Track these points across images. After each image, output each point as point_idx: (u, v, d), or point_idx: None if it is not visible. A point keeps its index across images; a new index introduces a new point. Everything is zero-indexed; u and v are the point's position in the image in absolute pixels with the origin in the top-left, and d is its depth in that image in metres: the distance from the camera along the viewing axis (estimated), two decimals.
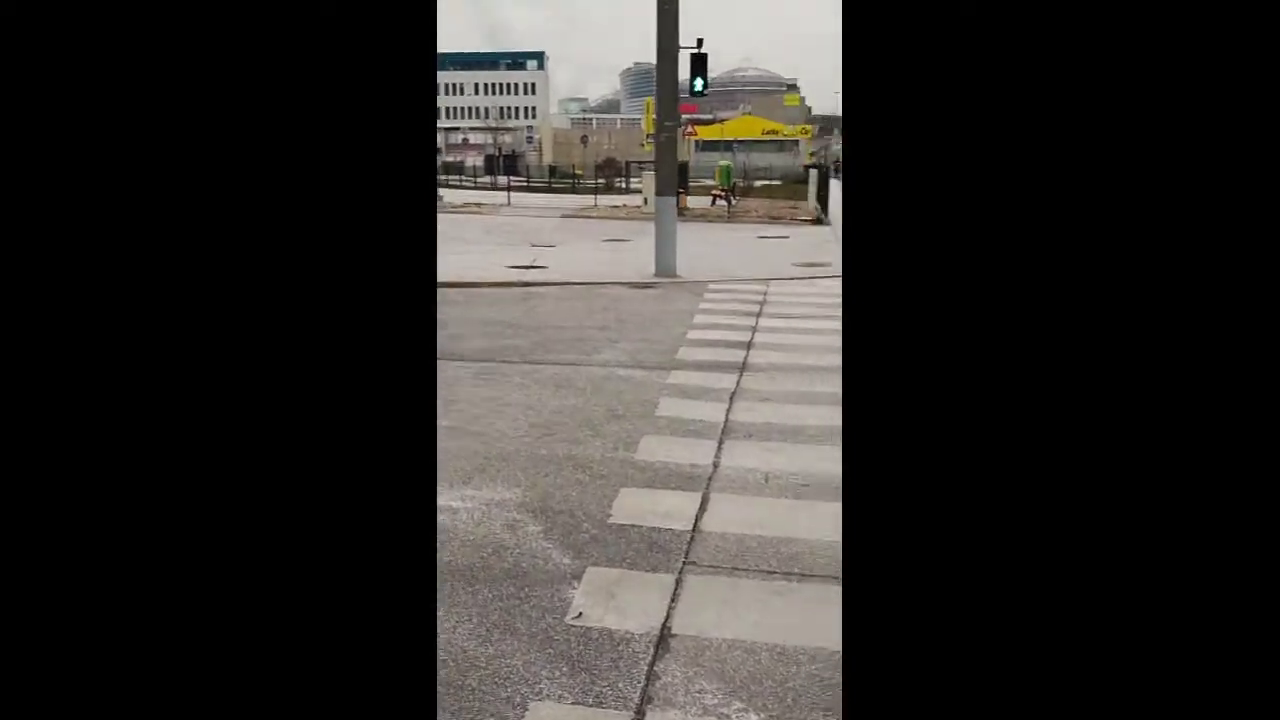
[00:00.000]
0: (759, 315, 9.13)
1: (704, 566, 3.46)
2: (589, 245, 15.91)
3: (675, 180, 12.43)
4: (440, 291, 10.67)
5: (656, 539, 3.70)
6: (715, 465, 4.63)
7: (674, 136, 12.15)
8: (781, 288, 11.20)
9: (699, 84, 12.83)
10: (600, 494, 4.20)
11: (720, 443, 5.00)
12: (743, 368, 6.81)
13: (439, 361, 6.83)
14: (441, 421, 5.23)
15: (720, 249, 15.26)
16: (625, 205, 25.43)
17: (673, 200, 12.14)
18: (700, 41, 12.54)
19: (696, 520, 3.90)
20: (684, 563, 3.48)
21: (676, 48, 11.82)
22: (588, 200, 27.45)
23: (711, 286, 11.08)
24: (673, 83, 12.03)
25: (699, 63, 12.63)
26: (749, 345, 7.62)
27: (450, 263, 13.28)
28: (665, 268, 11.94)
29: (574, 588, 3.26)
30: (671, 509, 4.02)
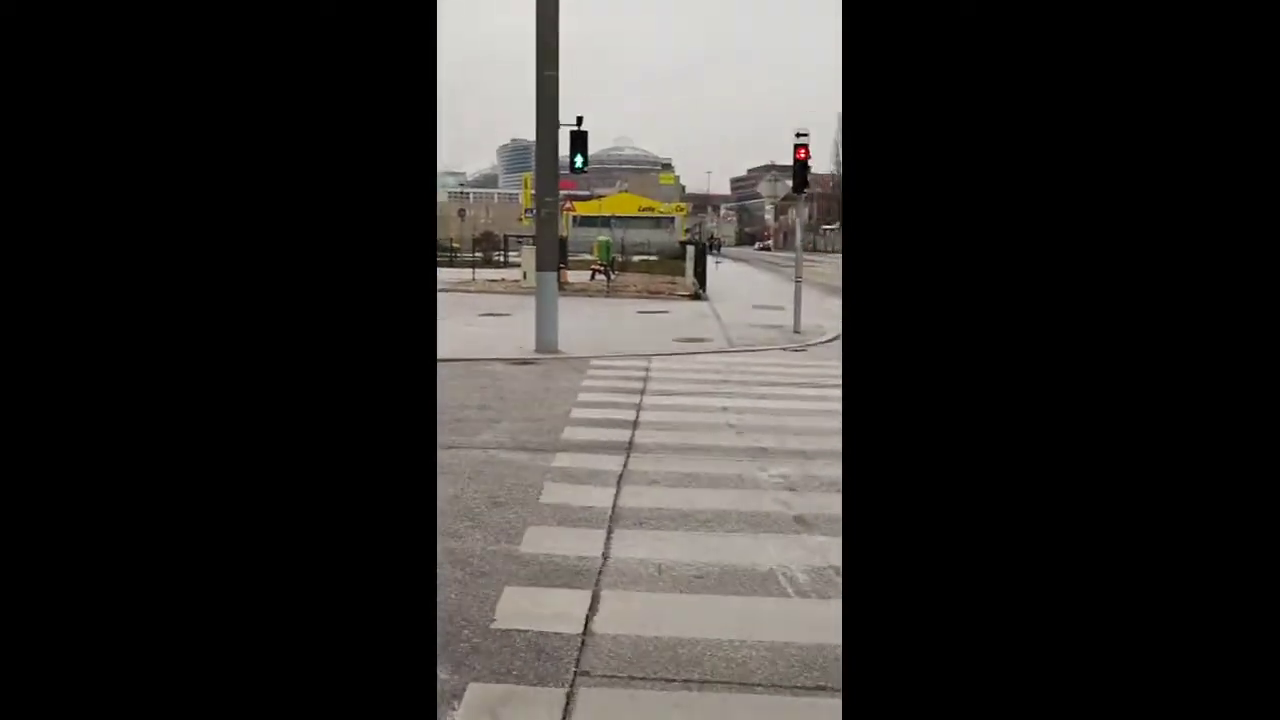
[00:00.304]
0: (643, 392, 8.99)
1: (597, 676, 3.17)
2: (467, 319, 15.56)
3: (556, 255, 12.30)
4: None
5: (544, 645, 3.39)
6: (605, 557, 4.36)
7: (555, 211, 12.06)
8: (664, 363, 11.13)
9: (579, 160, 12.84)
10: (482, 594, 3.86)
11: (609, 531, 4.75)
12: (629, 448, 6.60)
13: None
14: None
15: (601, 324, 15.18)
16: (504, 279, 25.17)
17: (554, 275, 11.98)
18: (580, 119, 12.58)
19: (587, 621, 3.61)
20: (575, 673, 3.19)
21: (557, 124, 11.80)
22: (465, 274, 27.04)
23: (594, 362, 10.91)
24: (553, 158, 11.98)
25: (579, 140, 12.64)
26: (635, 424, 7.44)
27: None
28: (547, 343, 11.71)
29: (454, 709, 2.92)
30: (560, 609, 3.72)
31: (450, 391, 8.80)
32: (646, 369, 10.53)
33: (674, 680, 3.15)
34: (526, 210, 50.27)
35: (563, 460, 6.21)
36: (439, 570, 4.11)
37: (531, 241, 30.40)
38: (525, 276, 22.17)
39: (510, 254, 36.31)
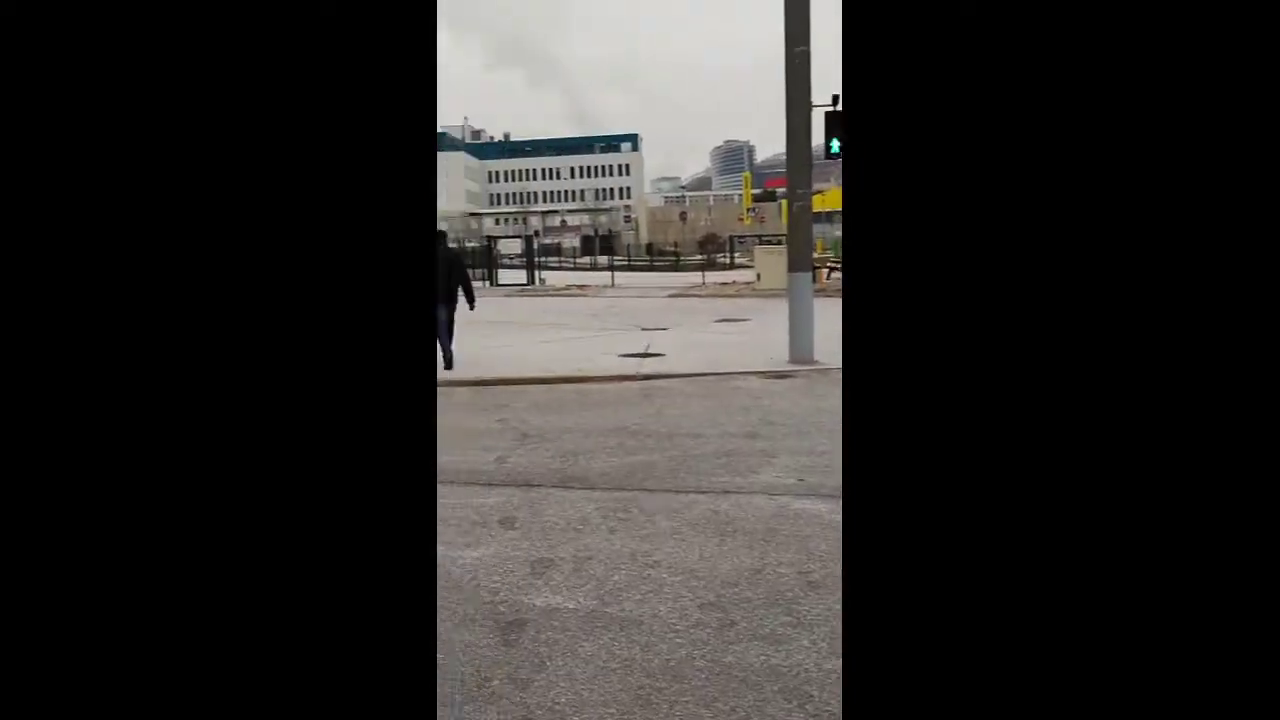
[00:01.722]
0: None
1: None
2: (703, 327, 14.46)
3: (810, 254, 10.91)
4: (551, 388, 9.31)
5: None
6: None
7: (808, 205, 10.67)
8: None
9: (835, 145, 11.36)
10: None
11: None
12: None
13: (564, 492, 5.39)
14: (576, 597, 3.72)
15: None
16: (734, 281, 24.03)
17: (809, 276, 10.60)
18: (836, 98, 11.11)
19: None
20: None
21: (809, 105, 10.44)
22: (693, 278, 26.15)
23: None
24: (805, 143, 10.61)
25: (836, 120, 11.17)
26: None
27: (556, 351, 11.99)
28: (802, 353, 10.36)
29: None
30: None
31: (708, 414, 7.65)
32: None
33: None
34: (748, 209, 49.23)
35: None
36: (763, 713, 2.87)
37: (759, 241, 29.19)
38: (759, 278, 20.88)
39: (735, 255, 35.31)
